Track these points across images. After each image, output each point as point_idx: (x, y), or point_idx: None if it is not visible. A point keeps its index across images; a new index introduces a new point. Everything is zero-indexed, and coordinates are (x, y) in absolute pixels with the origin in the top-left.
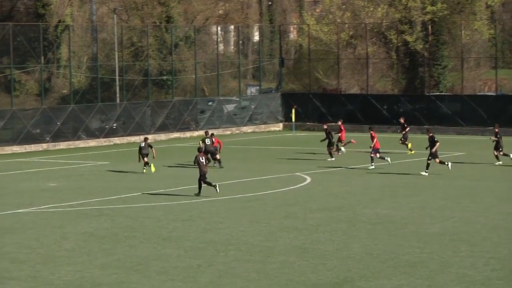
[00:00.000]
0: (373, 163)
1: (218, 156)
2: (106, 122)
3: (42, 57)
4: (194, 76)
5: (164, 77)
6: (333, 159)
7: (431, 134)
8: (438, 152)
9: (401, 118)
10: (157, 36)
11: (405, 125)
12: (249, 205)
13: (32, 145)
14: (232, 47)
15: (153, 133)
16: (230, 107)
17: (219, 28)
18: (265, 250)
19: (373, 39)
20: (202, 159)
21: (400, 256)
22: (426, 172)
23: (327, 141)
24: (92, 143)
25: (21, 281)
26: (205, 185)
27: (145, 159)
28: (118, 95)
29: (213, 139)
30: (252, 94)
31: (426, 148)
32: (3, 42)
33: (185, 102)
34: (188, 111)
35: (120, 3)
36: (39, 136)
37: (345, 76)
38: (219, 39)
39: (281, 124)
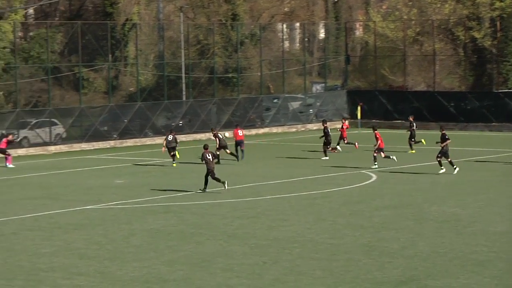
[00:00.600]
0: (376, 163)
1: (228, 151)
2: (172, 119)
3: (110, 55)
4: (259, 74)
5: (230, 75)
6: (327, 158)
7: (443, 131)
8: (449, 151)
9: (411, 117)
10: (222, 34)
11: (412, 124)
12: (315, 202)
13: (100, 142)
14: (298, 44)
15: (218, 130)
16: (295, 105)
17: (284, 26)
18: (330, 248)
19: (440, 36)
20: (209, 155)
21: (467, 255)
22: (442, 169)
23: (323, 139)
24: (159, 140)
25: (89, 276)
26: (214, 181)
27: (172, 153)
28: (184, 92)
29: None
30: (318, 92)
31: (437, 143)
32: (72, 41)
33: (250, 100)
34: (253, 109)
35: (186, 1)
36: (106, 133)
37: (412, 73)
38: (284, 37)
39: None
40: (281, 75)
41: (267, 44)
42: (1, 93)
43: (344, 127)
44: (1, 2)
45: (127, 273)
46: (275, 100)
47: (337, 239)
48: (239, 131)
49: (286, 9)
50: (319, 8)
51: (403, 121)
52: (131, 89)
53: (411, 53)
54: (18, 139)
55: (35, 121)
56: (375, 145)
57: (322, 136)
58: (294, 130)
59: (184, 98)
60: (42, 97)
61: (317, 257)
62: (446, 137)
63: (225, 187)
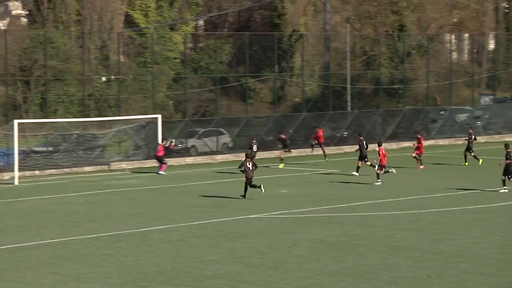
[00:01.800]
0: (379, 179)
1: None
2: (337, 130)
3: (276, 66)
4: (426, 85)
5: (396, 86)
6: (357, 174)
7: (508, 150)
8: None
9: (470, 129)
10: (389, 44)
11: (470, 136)
12: (482, 216)
13: (265, 152)
14: (466, 55)
15: (384, 142)
16: (462, 117)
17: (453, 37)
18: (498, 263)
19: None
20: (249, 164)
21: None
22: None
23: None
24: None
25: (254, 285)
26: (252, 188)
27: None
28: (349, 103)
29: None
30: (486, 103)
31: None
32: (239, 51)
33: (416, 111)
34: (419, 120)
35: (353, 12)
36: (271, 143)
37: None
38: (452, 47)
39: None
40: (448, 87)
41: (435, 55)
42: (171, 102)
43: (421, 142)
44: (173, 14)
45: (290, 282)
46: (442, 112)
47: (506, 255)
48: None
49: (454, 19)
50: (489, 18)
51: None
52: (296, 99)
53: None
54: (182, 146)
55: (202, 130)
56: (375, 161)
57: (357, 150)
58: (461, 142)
59: (349, 109)
60: (210, 106)
61: (485, 273)
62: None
63: (262, 190)
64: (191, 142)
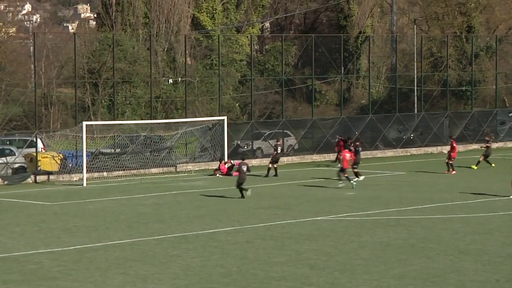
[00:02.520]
0: (355, 179)
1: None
2: (403, 132)
3: (342, 68)
4: (494, 87)
5: (463, 88)
6: (359, 179)
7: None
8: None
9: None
10: (457, 46)
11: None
12: None
13: (331, 154)
14: None
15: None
16: None
17: None
18: None
19: None
20: (244, 167)
21: None
22: None
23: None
24: (389, 153)
25: (319, 287)
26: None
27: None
28: (416, 105)
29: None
30: None
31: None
32: (305, 53)
33: (485, 113)
34: (487, 122)
35: (420, 14)
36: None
37: None
38: None
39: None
40: None
41: (503, 56)
42: (237, 104)
43: (453, 145)
44: (239, 16)
45: (357, 285)
46: (511, 114)
47: None
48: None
49: None
50: None
51: None
52: (362, 101)
53: None
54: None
55: (268, 132)
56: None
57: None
58: None
59: (415, 111)
60: (276, 108)
61: None
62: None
63: (248, 194)
64: (257, 144)
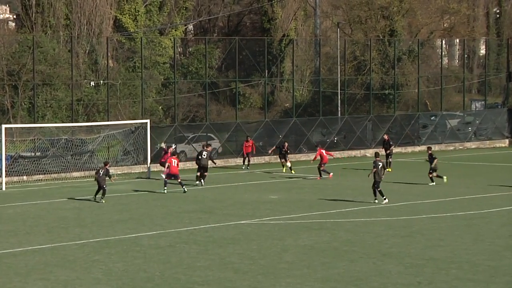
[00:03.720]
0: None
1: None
2: (327, 135)
3: (266, 71)
4: (416, 90)
5: (386, 91)
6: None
7: (430, 152)
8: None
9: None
10: (380, 49)
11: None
12: (473, 222)
13: (255, 158)
14: (457, 60)
15: (373, 148)
16: (453, 122)
17: (443, 42)
18: (489, 270)
19: None
20: (101, 171)
21: None
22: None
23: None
24: (313, 156)
25: None
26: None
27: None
28: (339, 108)
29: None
30: (477, 109)
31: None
32: (229, 56)
33: (407, 117)
34: (409, 126)
35: (344, 17)
36: (261, 148)
37: None
38: (443, 53)
39: (507, 141)
40: (439, 92)
41: (425, 60)
42: (160, 107)
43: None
44: (162, 18)
45: None
46: (433, 118)
47: (496, 261)
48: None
49: (445, 25)
50: (480, 24)
51: None
52: (286, 104)
53: None
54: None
55: (192, 135)
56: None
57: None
58: (452, 148)
59: (339, 114)
60: (200, 111)
61: (475, 279)
62: (434, 156)
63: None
64: (180, 147)
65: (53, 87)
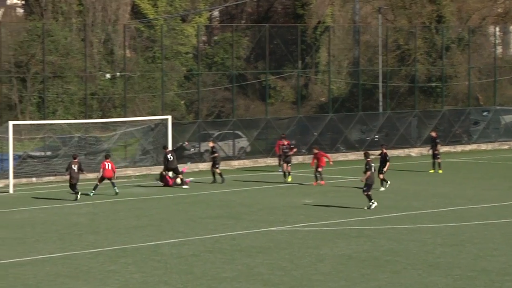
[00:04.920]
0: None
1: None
2: (367, 133)
3: (300, 62)
4: (467, 83)
5: (433, 84)
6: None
7: (385, 151)
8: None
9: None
10: (426, 37)
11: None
12: None
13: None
14: None
15: (419, 146)
16: (508, 118)
17: (497, 29)
18: None
19: None
20: (74, 166)
21: None
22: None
23: None
24: (351, 156)
25: None
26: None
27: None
28: (381, 103)
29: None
30: None
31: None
32: (258, 45)
33: (456, 112)
34: (459, 122)
35: (385, 2)
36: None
37: None
38: (497, 41)
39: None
40: (492, 85)
41: (477, 49)
42: (183, 102)
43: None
44: (185, 4)
45: None
46: (485, 113)
47: None
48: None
49: (499, 10)
50: None
51: None
52: (322, 99)
53: None
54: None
55: (217, 133)
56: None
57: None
58: (506, 147)
59: (380, 110)
60: (226, 107)
61: None
62: (388, 157)
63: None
64: (204, 146)
65: (65, 80)
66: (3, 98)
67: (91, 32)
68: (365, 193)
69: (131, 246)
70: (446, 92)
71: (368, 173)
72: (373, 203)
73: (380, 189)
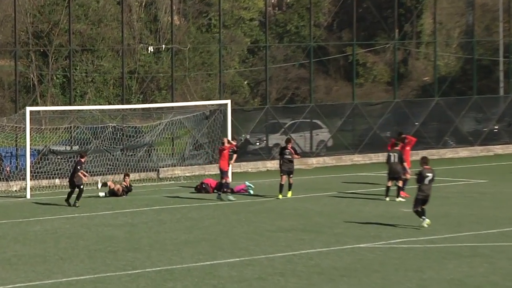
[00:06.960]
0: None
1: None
2: (484, 123)
3: (396, 31)
4: None
5: None
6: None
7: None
8: None
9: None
10: None
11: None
12: None
13: (380, 154)
14: None
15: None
16: None
17: None
18: None
19: None
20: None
21: None
22: None
23: None
24: (464, 152)
25: None
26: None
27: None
28: (502, 84)
29: None
30: None
31: None
32: (343, 9)
33: None
34: None
35: None
36: (389, 140)
37: None
38: None
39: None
40: None
41: None
42: (246, 82)
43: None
44: None
45: None
46: None
47: None
48: None
49: None
50: None
51: None
52: (425, 78)
53: None
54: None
55: (290, 122)
56: None
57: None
58: None
59: (502, 93)
60: (301, 89)
61: None
62: None
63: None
64: (273, 139)
65: (96, 55)
66: (19, 78)
67: None
68: (421, 209)
69: (180, 266)
70: None
71: (419, 185)
72: (423, 219)
73: None
